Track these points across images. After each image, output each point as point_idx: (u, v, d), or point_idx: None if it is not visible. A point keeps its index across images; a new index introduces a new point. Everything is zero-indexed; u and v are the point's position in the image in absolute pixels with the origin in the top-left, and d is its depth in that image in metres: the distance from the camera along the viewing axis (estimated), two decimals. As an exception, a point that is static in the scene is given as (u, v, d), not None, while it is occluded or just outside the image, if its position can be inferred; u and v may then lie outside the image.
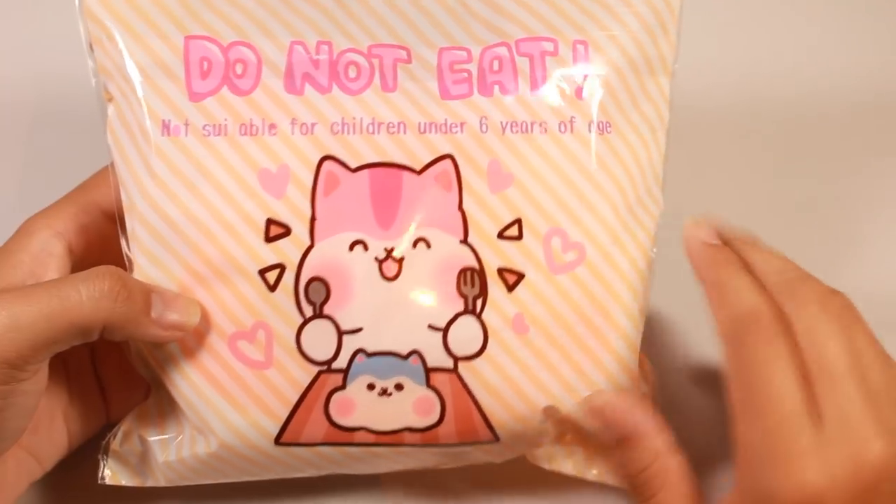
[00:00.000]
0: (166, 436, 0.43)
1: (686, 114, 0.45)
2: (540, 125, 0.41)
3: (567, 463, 0.45)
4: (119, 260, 0.42)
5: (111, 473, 0.44)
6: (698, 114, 0.45)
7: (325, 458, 0.42)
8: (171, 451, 0.43)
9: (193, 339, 0.41)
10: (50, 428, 0.43)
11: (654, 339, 0.50)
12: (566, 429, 0.43)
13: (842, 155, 0.58)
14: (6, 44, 0.57)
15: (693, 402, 0.45)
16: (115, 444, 0.44)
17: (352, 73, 0.41)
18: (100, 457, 0.44)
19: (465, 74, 0.42)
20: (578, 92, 0.42)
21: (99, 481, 0.43)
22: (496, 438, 0.42)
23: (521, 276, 0.41)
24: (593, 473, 0.45)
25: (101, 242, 0.44)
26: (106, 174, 0.44)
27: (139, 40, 0.41)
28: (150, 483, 0.44)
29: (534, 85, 0.42)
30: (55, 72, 0.56)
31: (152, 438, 0.43)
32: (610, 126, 0.42)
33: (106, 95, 0.42)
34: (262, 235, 0.40)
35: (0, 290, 0.40)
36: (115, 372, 0.46)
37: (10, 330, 0.36)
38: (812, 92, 0.59)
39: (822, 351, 0.38)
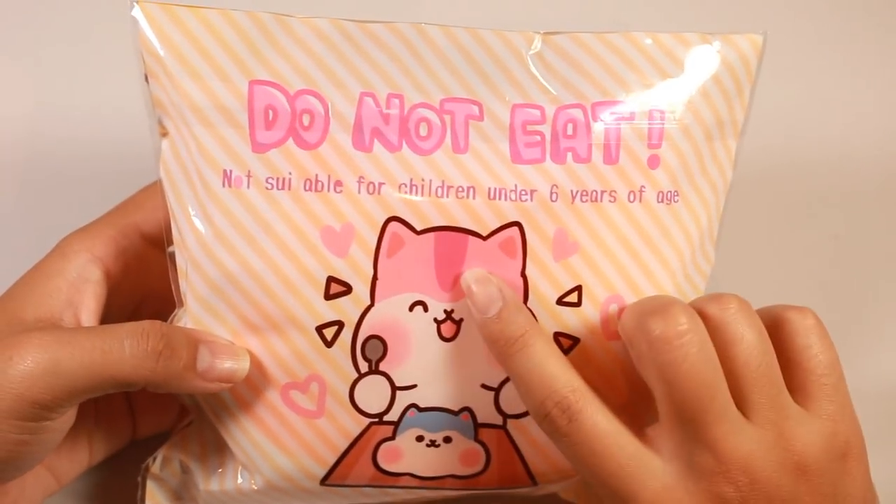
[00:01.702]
0: (209, 466, 0.43)
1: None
2: (609, 194, 0.41)
3: (597, 498, 0.47)
4: (158, 284, 0.42)
5: (150, 496, 0.44)
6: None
7: (366, 496, 0.43)
8: (213, 482, 0.43)
9: (245, 386, 0.40)
10: (72, 447, 0.43)
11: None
12: None
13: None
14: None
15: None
16: (154, 468, 0.44)
17: (423, 130, 0.40)
18: (139, 479, 0.44)
19: (538, 137, 0.40)
20: (651, 161, 0.41)
21: (138, 503, 0.44)
22: (534, 483, 0.43)
23: (576, 342, 0.41)
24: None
25: (139, 267, 0.43)
26: (147, 196, 0.42)
27: (199, 81, 0.38)
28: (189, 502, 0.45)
29: (607, 153, 0.41)
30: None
31: (195, 466, 0.43)
32: (678, 195, 0.41)
33: (160, 130, 0.40)
34: (321, 292, 0.39)
35: (40, 324, 0.39)
36: (148, 393, 0.45)
37: (49, 374, 0.36)
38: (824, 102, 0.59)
39: (738, 352, 0.37)
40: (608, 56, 0.41)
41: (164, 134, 0.40)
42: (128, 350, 0.37)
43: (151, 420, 0.46)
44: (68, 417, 0.38)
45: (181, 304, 0.41)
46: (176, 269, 0.41)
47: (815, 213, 0.57)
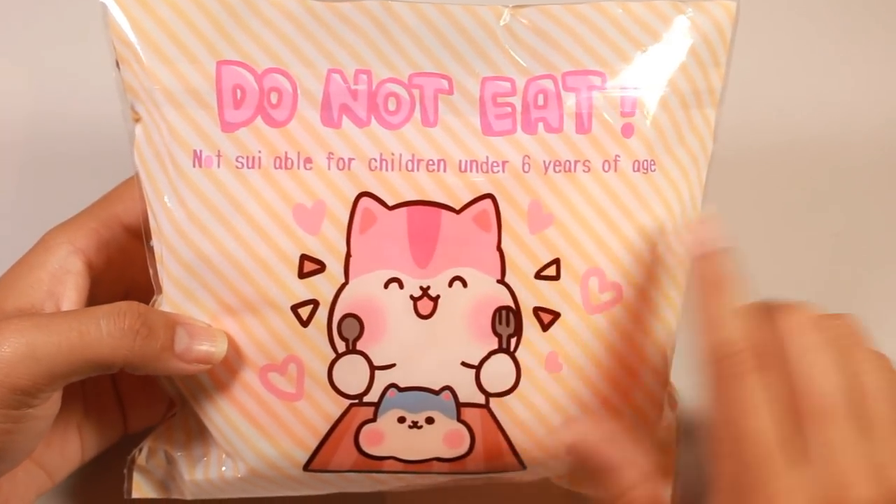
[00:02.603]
0: (193, 455, 0.43)
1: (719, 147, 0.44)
2: (583, 164, 0.40)
3: (590, 485, 0.46)
4: (140, 275, 0.41)
5: (137, 487, 0.44)
6: (733, 148, 0.44)
7: (351, 482, 0.43)
8: (198, 471, 0.43)
9: (223, 370, 0.40)
10: (63, 441, 0.43)
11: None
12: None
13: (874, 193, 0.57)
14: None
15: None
16: (140, 460, 0.44)
17: (391, 105, 0.40)
18: (125, 471, 0.44)
19: (509, 109, 0.40)
20: (625, 129, 0.40)
21: (125, 496, 0.44)
22: (523, 467, 0.42)
23: (556, 316, 0.41)
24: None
25: (122, 258, 0.43)
26: (128, 187, 0.42)
27: (168, 64, 0.39)
28: (175, 496, 0.44)
29: (579, 122, 0.40)
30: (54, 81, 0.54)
31: (179, 456, 0.43)
32: (654, 164, 0.41)
33: (133, 115, 0.40)
34: (295, 271, 0.39)
35: (19, 314, 0.39)
36: (135, 384, 0.45)
37: (27, 359, 0.36)
38: (845, 130, 0.58)
39: (812, 385, 0.36)
40: (578, 26, 0.41)
41: (137, 119, 0.40)
42: (105, 329, 0.37)
43: (141, 413, 0.46)
44: (52, 404, 0.38)
45: (159, 290, 0.41)
46: (154, 258, 0.41)
47: (815, 211, 0.56)
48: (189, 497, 0.44)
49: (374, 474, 0.42)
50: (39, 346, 0.36)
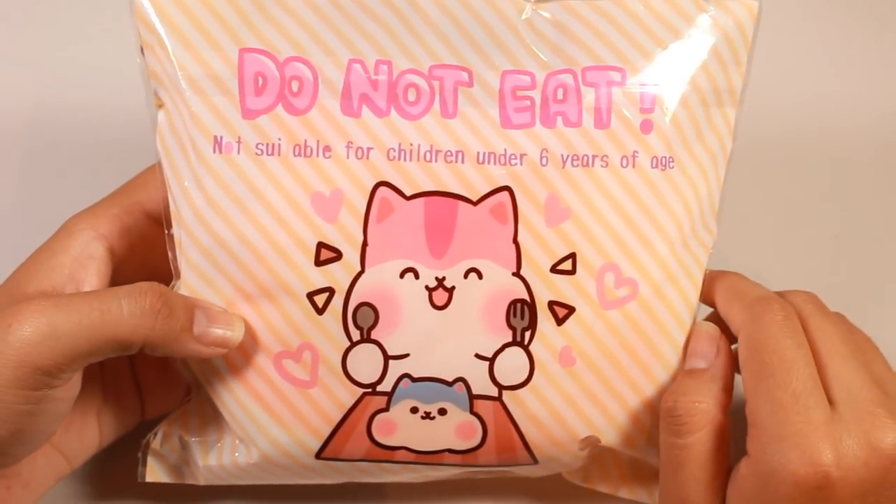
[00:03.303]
0: (207, 441, 0.43)
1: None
2: (601, 159, 0.40)
3: (601, 482, 0.46)
4: (162, 263, 0.42)
5: (151, 472, 0.44)
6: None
7: (363, 471, 0.43)
8: (211, 456, 0.43)
9: (238, 355, 0.41)
10: (82, 427, 0.44)
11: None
12: (603, 449, 0.44)
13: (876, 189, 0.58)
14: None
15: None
16: (155, 444, 0.44)
17: (411, 96, 0.40)
18: (139, 455, 0.44)
19: (528, 102, 0.40)
20: (644, 126, 0.40)
21: (139, 479, 0.44)
22: (535, 461, 0.42)
23: (571, 310, 0.41)
24: (625, 492, 0.46)
25: (143, 245, 0.43)
26: (150, 175, 0.43)
27: (191, 50, 0.39)
28: (188, 481, 0.45)
29: (598, 119, 0.40)
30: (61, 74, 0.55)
31: (193, 441, 0.43)
32: (673, 161, 0.41)
33: (157, 101, 0.40)
34: (312, 259, 0.40)
35: (41, 295, 0.40)
36: (153, 371, 0.46)
37: (48, 338, 0.36)
38: (824, 98, 0.58)
39: (829, 337, 0.40)
40: (599, 22, 0.41)
41: (160, 105, 0.40)
42: (126, 309, 0.37)
43: (159, 400, 0.46)
44: (72, 386, 0.39)
45: (177, 276, 0.41)
46: (174, 245, 0.41)
47: (816, 212, 0.56)
48: (202, 482, 0.44)
49: (386, 464, 0.42)
50: (60, 326, 0.36)
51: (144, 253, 0.44)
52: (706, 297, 0.44)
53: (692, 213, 0.42)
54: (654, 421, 0.42)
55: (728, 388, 0.41)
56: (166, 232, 0.41)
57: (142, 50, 0.40)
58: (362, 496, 0.49)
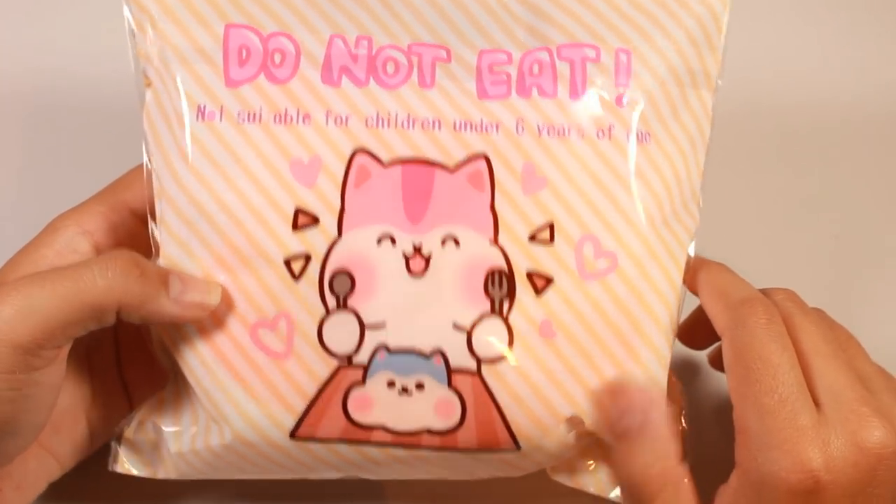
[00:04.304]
0: (181, 426, 0.42)
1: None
2: (577, 130, 0.41)
3: (589, 481, 0.44)
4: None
5: (121, 462, 0.43)
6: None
7: (341, 458, 0.41)
8: (184, 442, 0.42)
9: (215, 326, 0.40)
10: (72, 428, 0.43)
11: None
12: (590, 444, 0.42)
13: (849, 159, 0.58)
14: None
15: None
16: (128, 432, 0.43)
17: (390, 68, 0.41)
18: (112, 443, 0.43)
19: (504, 77, 0.41)
20: (619, 100, 0.41)
21: (109, 468, 0.43)
22: (517, 447, 0.41)
23: (550, 281, 0.40)
24: (616, 494, 0.44)
25: (129, 243, 0.44)
26: (137, 174, 0.43)
27: (180, 26, 0.41)
28: (160, 475, 0.43)
29: (573, 90, 0.41)
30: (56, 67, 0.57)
31: (167, 428, 0.42)
32: (649, 136, 0.41)
33: (145, 81, 0.42)
34: (289, 224, 0.40)
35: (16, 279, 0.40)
36: (140, 373, 0.45)
37: (25, 312, 0.36)
38: (823, 97, 0.59)
39: (811, 337, 0.40)
40: (573, 4, 0.42)
41: (148, 84, 0.42)
42: (97, 272, 0.37)
43: (147, 396, 0.45)
44: (55, 371, 0.38)
45: (156, 252, 0.41)
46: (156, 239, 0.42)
47: (815, 213, 0.57)
48: (174, 475, 0.43)
49: (364, 447, 0.41)
50: (34, 298, 0.36)
51: (131, 250, 0.44)
52: (691, 286, 0.43)
53: (671, 191, 0.42)
54: None
55: (670, 436, 0.40)
56: (150, 231, 0.42)
57: (132, 32, 0.42)
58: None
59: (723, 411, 0.42)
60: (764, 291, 0.42)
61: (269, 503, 0.48)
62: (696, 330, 0.47)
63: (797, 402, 0.37)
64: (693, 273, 0.43)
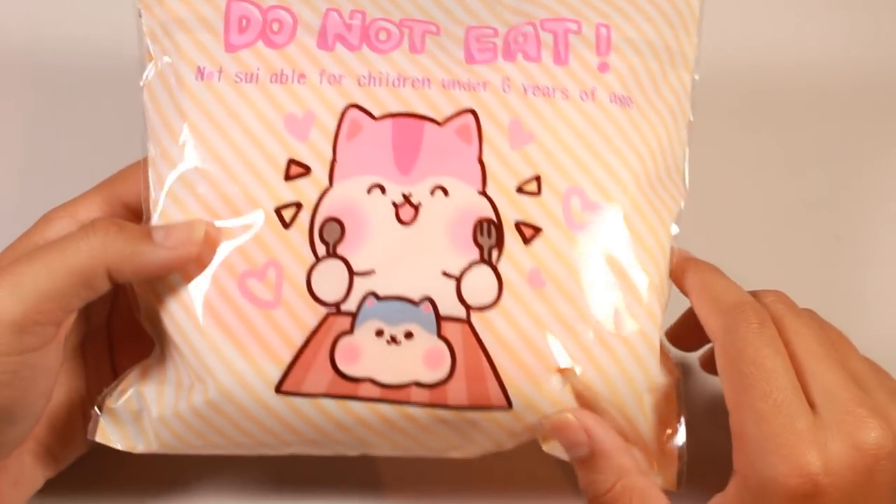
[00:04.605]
0: (164, 388, 0.41)
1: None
2: (562, 91, 0.43)
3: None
4: None
5: (101, 431, 0.42)
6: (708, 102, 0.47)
7: (326, 416, 0.40)
8: (166, 404, 0.41)
9: (203, 278, 0.40)
10: (68, 424, 0.43)
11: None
12: (581, 404, 0.41)
13: (847, 144, 0.59)
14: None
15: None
16: (110, 402, 0.42)
17: (382, 36, 0.43)
18: (94, 410, 0.42)
19: (491, 45, 0.44)
20: (601, 66, 0.43)
21: (88, 436, 0.41)
22: (509, 404, 0.40)
23: (538, 231, 0.41)
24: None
25: None
26: (133, 169, 0.44)
27: (186, 2, 0.43)
28: (140, 448, 0.42)
29: (556, 56, 0.43)
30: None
31: (149, 393, 0.41)
32: (631, 102, 0.43)
33: (147, 57, 0.44)
34: (282, 174, 0.41)
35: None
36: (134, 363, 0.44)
37: (13, 287, 0.36)
38: (825, 99, 0.61)
39: (803, 339, 0.39)
40: None
41: (150, 59, 0.44)
42: (79, 238, 0.38)
43: None
44: (50, 353, 0.38)
45: (148, 217, 0.42)
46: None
47: (816, 213, 0.57)
48: (156, 446, 0.41)
49: (351, 403, 0.40)
50: (23, 274, 0.37)
51: None
52: (679, 283, 0.44)
53: (656, 157, 0.43)
54: (629, 353, 0.40)
55: (621, 451, 0.40)
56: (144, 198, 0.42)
57: (139, 12, 0.44)
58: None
59: (717, 411, 0.42)
60: (754, 294, 0.42)
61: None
62: (686, 332, 0.47)
63: (792, 406, 0.37)
64: (681, 272, 0.43)
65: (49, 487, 0.43)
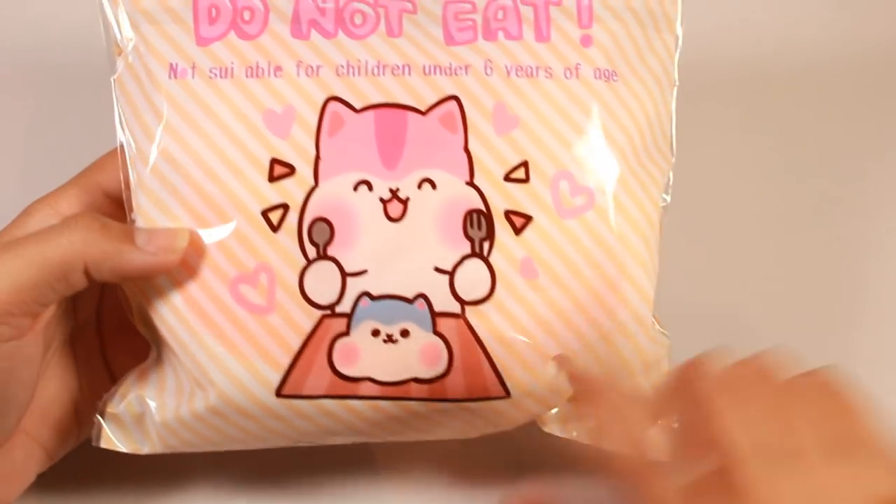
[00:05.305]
0: (165, 394, 0.41)
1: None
2: (545, 70, 0.41)
3: (581, 428, 0.43)
4: None
5: (105, 437, 0.42)
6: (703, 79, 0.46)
7: (328, 415, 0.40)
8: (168, 410, 0.41)
9: (194, 285, 0.40)
10: (59, 418, 0.43)
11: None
12: (577, 388, 0.42)
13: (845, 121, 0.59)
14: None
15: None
16: (111, 407, 0.42)
17: (357, 20, 0.42)
18: (96, 418, 0.42)
19: (470, 23, 0.42)
20: (584, 40, 0.42)
21: (93, 443, 0.42)
22: (507, 394, 0.40)
23: (528, 219, 0.40)
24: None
25: None
26: (110, 156, 0.43)
27: None
28: (146, 449, 0.42)
29: (538, 32, 0.42)
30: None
31: (150, 398, 0.41)
32: (616, 75, 0.42)
33: (116, 49, 0.42)
34: (265, 175, 0.40)
35: None
36: (126, 361, 0.44)
37: None
38: (826, 102, 0.60)
39: (718, 437, 0.32)
40: None
41: (119, 53, 0.42)
42: (59, 231, 0.38)
43: None
44: (30, 341, 0.38)
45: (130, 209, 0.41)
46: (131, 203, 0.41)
47: (818, 214, 0.57)
48: (160, 448, 0.42)
49: (351, 402, 0.40)
50: (2, 265, 0.37)
51: None
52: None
53: (643, 130, 0.42)
54: (623, 337, 0.41)
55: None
56: (128, 218, 0.41)
57: (101, 4, 0.42)
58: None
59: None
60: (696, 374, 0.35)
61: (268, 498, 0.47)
62: None
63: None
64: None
65: (46, 483, 0.43)
